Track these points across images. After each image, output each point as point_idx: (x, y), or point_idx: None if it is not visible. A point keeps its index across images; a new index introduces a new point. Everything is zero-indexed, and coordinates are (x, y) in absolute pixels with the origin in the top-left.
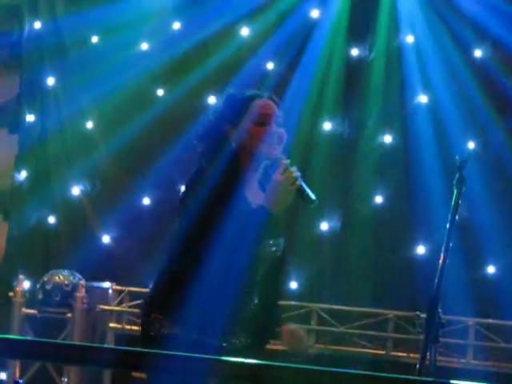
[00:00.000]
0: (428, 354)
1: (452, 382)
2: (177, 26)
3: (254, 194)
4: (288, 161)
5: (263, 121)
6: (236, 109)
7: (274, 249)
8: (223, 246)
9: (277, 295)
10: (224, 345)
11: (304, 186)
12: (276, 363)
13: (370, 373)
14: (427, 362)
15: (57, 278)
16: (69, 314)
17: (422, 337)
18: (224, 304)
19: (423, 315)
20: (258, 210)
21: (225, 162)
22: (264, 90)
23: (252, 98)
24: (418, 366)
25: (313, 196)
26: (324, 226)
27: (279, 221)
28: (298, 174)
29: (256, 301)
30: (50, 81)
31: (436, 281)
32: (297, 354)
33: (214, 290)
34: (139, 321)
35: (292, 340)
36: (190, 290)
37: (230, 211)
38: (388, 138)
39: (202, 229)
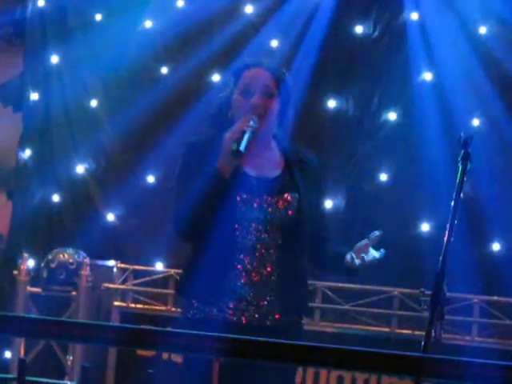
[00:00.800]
0: (433, 331)
1: (456, 358)
2: (181, 3)
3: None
4: (252, 123)
5: (244, 91)
6: (232, 77)
7: (267, 208)
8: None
9: (296, 266)
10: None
11: (244, 138)
12: (275, 340)
13: (374, 350)
14: (432, 339)
15: (61, 256)
16: (73, 293)
17: (427, 314)
18: (214, 273)
19: (428, 292)
20: (211, 170)
21: (214, 129)
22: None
23: (246, 67)
24: (423, 343)
25: (242, 147)
26: (328, 204)
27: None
28: (242, 127)
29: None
30: (54, 59)
31: (441, 258)
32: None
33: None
34: (146, 299)
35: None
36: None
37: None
38: (393, 116)
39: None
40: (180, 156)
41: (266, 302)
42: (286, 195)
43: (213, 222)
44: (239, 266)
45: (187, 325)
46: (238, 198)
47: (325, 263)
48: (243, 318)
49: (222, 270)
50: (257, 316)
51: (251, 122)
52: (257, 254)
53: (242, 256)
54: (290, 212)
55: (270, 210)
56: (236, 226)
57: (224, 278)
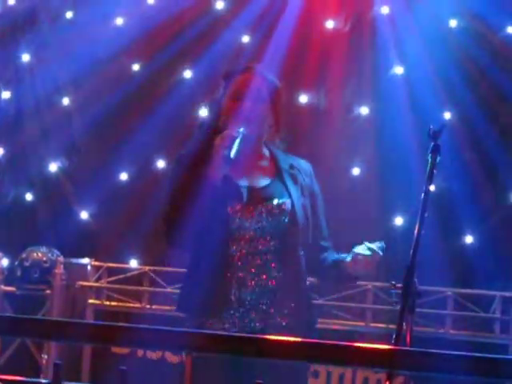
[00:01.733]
0: (404, 323)
1: (428, 350)
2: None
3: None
4: (242, 129)
5: (234, 96)
6: (223, 82)
7: (260, 217)
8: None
9: (293, 273)
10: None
11: (234, 145)
12: (251, 336)
13: (344, 343)
14: (404, 332)
15: (35, 254)
16: (48, 291)
17: (398, 307)
18: (208, 284)
19: (399, 285)
20: (202, 178)
21: (206, 135)
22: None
23: (237, 72)
24: (394, 335)
25: (233, 153)
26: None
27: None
28: (232, 134)
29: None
30: (25, 57)
31: (411, 251)
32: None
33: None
34: (120, 297)
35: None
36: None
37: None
38: (364, 110)
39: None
40: (170, 170)
41: (263, 311)
42: (278, 202)
43: (205, 230)
44: (235, 276)
45: None
46: (230, 209)
47: (323, 272)
48: (242, 328)
49: (217, 281)
50: (257, 324)
51: (241, 128)
52: (252, 263)
53: (237, 266)
54: (283, 219)
55: (262, 218)
56: (229, 236)
57: (221, 289)
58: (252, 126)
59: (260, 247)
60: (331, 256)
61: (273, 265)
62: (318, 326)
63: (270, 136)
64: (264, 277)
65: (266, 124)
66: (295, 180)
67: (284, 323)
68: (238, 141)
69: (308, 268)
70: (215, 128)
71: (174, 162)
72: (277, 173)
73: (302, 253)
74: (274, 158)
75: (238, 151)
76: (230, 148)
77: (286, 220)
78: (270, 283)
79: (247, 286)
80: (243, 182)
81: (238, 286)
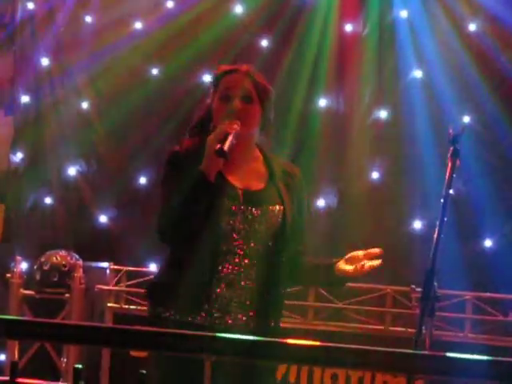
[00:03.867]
0: (424, 327)
1: (447, 354)
2: (170, 4)
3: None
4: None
5: (223, 97)
6: (212, 84)
7: (251, 220)
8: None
9: (276, 276)
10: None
11: (227, 139)
12: (271, 339)
13: (365, 347)
14: (423, 336)
15: (54, 258)
16: (67, 295)
17: (418, 311)
18: (194, 281)
19: (419, 289)
20: (195, 174)
21: (196, 139)
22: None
23: (225, 74)
24: (414, 339)
25: (226, 146)
26: (320, 202)
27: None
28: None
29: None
30: (45, 61)
31: (431, 255)
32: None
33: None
34: (139, 301)
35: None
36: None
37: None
38: (383, 114)
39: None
40: (163, 165)
41: (244, 311)
42: (270, 207)
43: (197, 227)
44: (220, 274)
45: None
46: (223, 209)
47: (300, 276)
48: (221, 325)
49: (202, 278)
50: (232, 323)
51: (234, 125)
52: (237, 263)
53: (223, 265)
54: (274, 225)
55: (255, 221)
56: (219, 235)
57: (204, 285)
58: (242, 126)
59: (249, 249)
60: (313, 260)
61: (257, 267)
62: (337, 329)
63: (258, 136)
64: (247, 278)
65: (256, 124)
66: (287, 186)
67: (252, 325)
68: (230, 136)
69: (288, 272)
70: (207, 129)
71: (166, 162)
72: (270, 177)
73: (284, 259)
74: (266, 162)
75: (230, 146)
76: (223, 142)
77: (278, 226)
78: (251, 285)
79: (230, 285)
80: (237, 184)
81: (221, 284)
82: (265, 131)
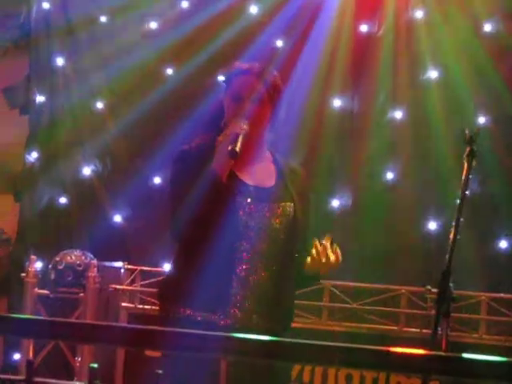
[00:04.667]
0: (439, 328)
1: (464, 355)
2: (185, 4)
3: None
4: (244, 126)
5: (235, 97)
6: (224, 83)
7: (264, 217)
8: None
9: (288, 270)
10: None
11: (238, 140)
12: (287, 340)
13: (379, 347)
14: (439, 337)
15: (69, 258)
16: (81, 294)
17: (433, 312)
18: (209, 279)
19: (434, 290)
20: (207, 174)
21: (206, 137)
22: (267, 64)
23: (237, 73)
24: (429, 340)
25: (237, 147)
26: (335, 203)
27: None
28: (236, 130)
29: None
30: (60, 61)
31: (447, 256)
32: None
33: (202, 264)
34: (153, 300)
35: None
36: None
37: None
38: (398, 114)
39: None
40: (171, 164)
41: (258, 308)
42: (282, 205)
43: (211, 227)
44: (234, 272)
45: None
46: (236, 206)
47: (298, 277)
48: (235, 324)
49: (217, 276)
50: (248, 322)
51: (244, 126)
52: (251, 261)
53: (237, 263)
54: (286, 222)
55: (266, 218)
56: (233, 233)
57: (219, 283)
58: (253, 127)
59: (261, 247)
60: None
61: (270, 264)
62: (351, 330)
63: (267, 134)
64: (261, 276)
65: (266, 124)
66: (296, 184)
67: (266, 323)
68: (241, 137)
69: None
70: (218, 128)
71: (174, 161)
72: (279, 176)
73: (296, 255)
74: (275, 161)
75: (241, 146)
76: (235, 143)
77: (289, 222)
78: (265, 282)
79: (244, 283)
80: (249, 182)
81: (235, 283)
82: (274, 130)
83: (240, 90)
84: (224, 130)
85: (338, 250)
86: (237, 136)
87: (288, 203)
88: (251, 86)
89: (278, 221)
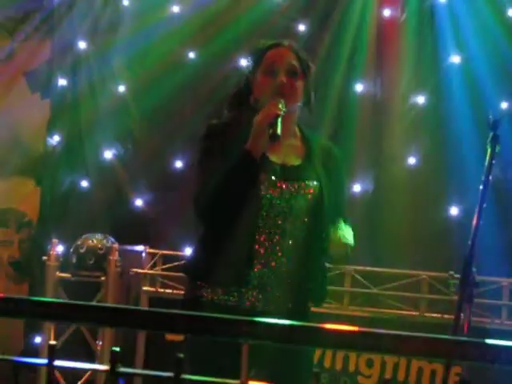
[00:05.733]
0: (462, 314)
1: (487, 340)
2: None
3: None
4: (282, 107)
5: (268, 70)
6: (253, 59)
7: (289, 196)
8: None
9: (311, 257)
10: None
11: (278, 122)
12: (309, 324)
13: (403, 332)
14: (461, 322)
15: (90, 241)
16: (102, 278)
17: (455, 297)
18: (231, 259)
19: (457, 276)
20: (239, 152)
21: (235, 112)
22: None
23: (269, 48)
24: (452, 326)
25: (278, 132)
26: (356, 188)
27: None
28: (275, 111)
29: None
30: (82, 44)
31: (470, 241)
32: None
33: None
34: (175, 284)
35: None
36: (215, 250)
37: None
38: (421, 99)
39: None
40: (200, 139)
41: (279, 291)
42: (308, 184)
43: (237, 205)
44: (258, 253)
45: (208, 308)
46: (261, 183)
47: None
48: (256, 305)
49: (241, 255)
50: (269, 304)
51: (281, 106)
52: (274, 241)
53: (259, 242)
54: (311, 201)
55: (292, 197)
56: (258, 212)
57: (242, 264)
58: (287, 102)
59: (286, 226)
60: None
61: (293, 246)
62: (372, 315)
63: (300, 112)
64: (285, 256)
65: (300, 99)
66: (325, 164)
67: (293, 306)
68: (280, 118)
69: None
70: (246, 101)
71: (204, 136)
72: (307, 154)
73: (324, 235)
74: (304, 138)
75: (281, 128)
76: (275, 125)
77: (314, 202)
78: (286, 264)
79: (266, 264)
80: (276, 160)
81: (256, 263)
82: (307, 107)
83: (274, 62)
84: (255, 106)
85: (350, 231)
86: (277, 118)
87: (314, 182)
88: (285, 58)
89: (302, 200)
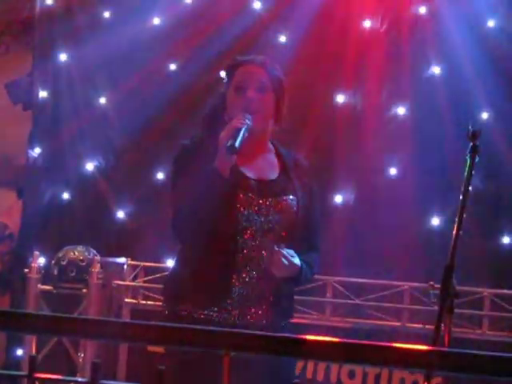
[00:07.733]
0: (442, 324)
1: (466, 351)
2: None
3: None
4: (246, 121)
5: (238, 87)
6: (225, 76)
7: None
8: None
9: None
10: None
11: (239, 135)
12: (291, 336)
13: (382, 343)
14: (442, 333)
15: (72, 253)
16: (84, 290)
17: (436, 307)
18: (210, 275)
19: (438, 286)
20: (209, 170)
21: (208, 132)
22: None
23: (240, 65)
24: (432, 336)
25: (237, 142)
26: (338, 199)
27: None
28: (236, 125)
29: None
30: (63, 56)
31: (450, 252)
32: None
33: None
34: (156, 296)
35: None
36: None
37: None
38: (401, 110)
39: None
40: (173, 160)
41: (259, 305)
42: (285, 198)
43: (213, 223)
44: (236, 268)
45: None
46: (238, 200)
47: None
48: (236, 320)
49: (219, 272)
50: (248, 320)
51: (246, 120)
52: (252, 255)
53: (239, 258)
54: (288, 215)
55: (270, 212)
56: (235, 228)
57: (221, 280)
58: (256, 117)
59: (261, 240)
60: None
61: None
62: (354, 325)
63: (272, 127)
64: (263, 271)
65: (270, 115)
66: (299, 177)
67: (268, 319)
68: (242, 131)
69: None
70: (221, 119)
71: (177, 156)
72: (283, 168)
73: (298, 250)
74: (278, 154)
75: (241, 141)
76: (235, 138)
77: (291, 216)
78: (265, 278)
79: (245, 278)
80: (251, 175)
81: (235, 278)
82: (278, 123)
83: (243, 79)
84: (227, 122)
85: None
86: (237, 131)
87: (290, 196)
88: (254, 75)
89: (279, 214)
